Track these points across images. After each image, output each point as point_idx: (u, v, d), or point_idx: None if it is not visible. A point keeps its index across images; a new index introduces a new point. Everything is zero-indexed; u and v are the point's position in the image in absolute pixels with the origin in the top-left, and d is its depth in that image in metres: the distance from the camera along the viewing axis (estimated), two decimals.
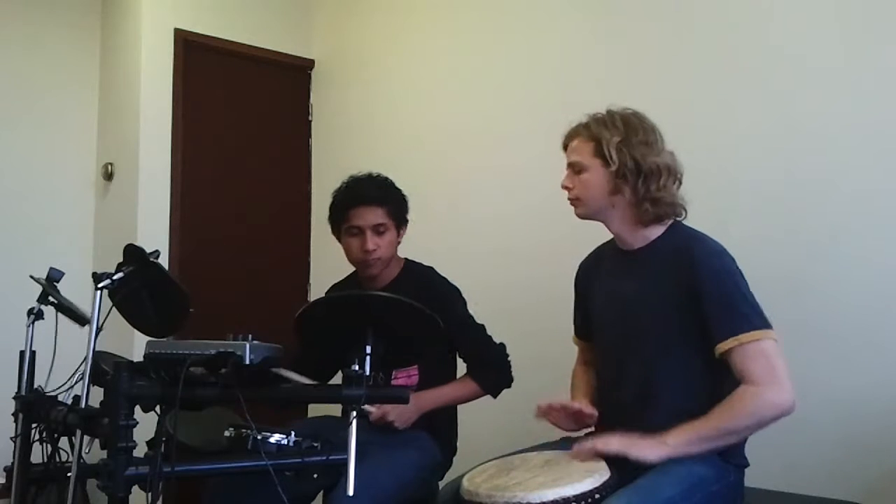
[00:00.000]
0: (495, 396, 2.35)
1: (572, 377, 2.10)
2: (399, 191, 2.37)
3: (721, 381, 1.73)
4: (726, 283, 1.72)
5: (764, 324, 1.69)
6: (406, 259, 2.45)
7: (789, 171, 2.32)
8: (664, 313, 1.78)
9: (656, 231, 1.85)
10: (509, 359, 2.36)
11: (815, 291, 2.23)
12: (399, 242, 2.38)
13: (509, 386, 2.35)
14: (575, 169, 1.88)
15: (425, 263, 2.45)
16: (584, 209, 1.89)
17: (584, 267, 2.08)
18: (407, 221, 2.39)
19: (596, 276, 2.01)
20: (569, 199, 1.91)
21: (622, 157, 1.79)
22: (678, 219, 1.87)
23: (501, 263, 3.10)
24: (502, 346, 2.36)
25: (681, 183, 1.85)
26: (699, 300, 1.72)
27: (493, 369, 2.33)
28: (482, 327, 2.36)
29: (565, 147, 1.92)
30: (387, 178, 2.38)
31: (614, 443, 1.64)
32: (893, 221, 2.12)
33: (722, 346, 1.68)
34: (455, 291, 2.37)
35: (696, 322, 1.73)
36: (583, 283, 2.06)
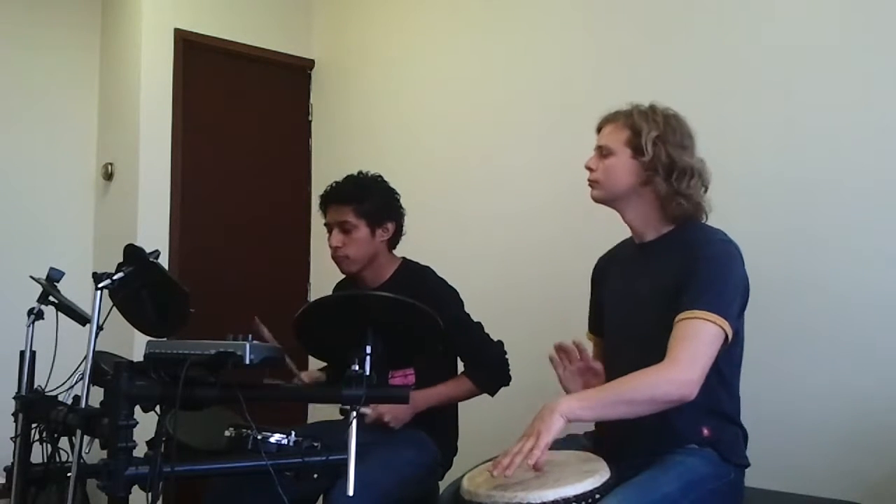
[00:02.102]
0: (493, 395, 2.34)
1: None
2: (377, 190, 2.37)
3: (726, 373, 1.73)
4: (711, 266, 1.71)
5: (723, 311, 1.66)
6: (403, 259, 2.45)
7: (790, 169, 2.32)
8: (666, 310, 1.76)
9: (670, 225, 1.86)
10: (507, 357, 2.35)
11: (815, 290, 2.23)
12: (383, 242, 2.36)
13: (507, 384, 2.35)
14: (602, 152, 1.88)
15: (423, 263, 2.44)
16: (602, 193, 1.89)
17: (601, 262, 2.08)
18: (385, 221, 2.35)
19: (612, 271, 2.01)
20: (589, 180, 1.91)
21: (657, 150, 1.79)
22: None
23: (503, 262, 3.10)
24: (500, 343, 2.36)
25: (706, 190, 1.86)
26: (683, 280, 1.71)
27: (489, 368, 2.33)
28: (479, 325, 2.36)
29: (599, 129, 1.92)
30: (368, 177, 2.39)
31: (529, 449, 1.56)
32: (894, 220, 2.12)
33: (679, 316, 1.66)
34: (451, 291, 2.36)
35: None
36: (599, 278, 2.07)
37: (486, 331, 2.37)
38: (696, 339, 1.64)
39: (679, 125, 1.85)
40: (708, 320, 1.64)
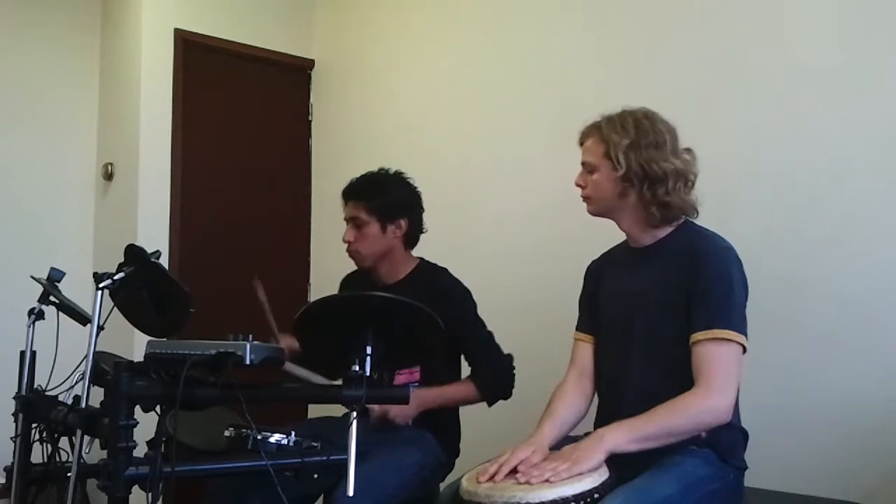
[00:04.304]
0: (490, 405, 2.32)
1: (552, 395, 2.00)
2: (392, 187, 2.37)
3: None
4: (721, 280, 1.73)
5: (740, 328, 1.71)
6: (420, 259, 2.45)
7: (790, 170, 2.32)
8: (668, 311, 1.79)
9: (666, 229, 1.87)
10: (514, 371, 2.33)
11: (815, 291, 2.23)
12: (397, 239, 2.36)
13: (506, 398, 2.33)
14: (587, 168, 1.90)
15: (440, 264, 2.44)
16: (595, 207, 1.92)
17: (595, 265, 2.09)
18: (397, 218, 2.35)
19: (606, 273, 2.02)
20: (581, 196, 1.94)
21: (629, 161, 1.80)
22: (689, 218, 1.88)
23: (503, 263, 3.10)
24: (510, 356, 2.35)
25: (693, 185, 1.85)
26: (693, 292, 1.73)
27: (494, 375, 2.32)
28: (491, 335, 2.35)
29: (581, 144, 1.94)
30: (385, 174, 2.40)
31: (561, 471, 1.60)
32: (894, 220, 2.12)
33: (696, 336, 1.70)
34: (464, 293, 2.36)
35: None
36: (593, 280, 2.07)
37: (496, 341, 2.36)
38: (725, 361, 1.69)
39: (652, 125, 1.83)
40: (730, 340, 1.69)
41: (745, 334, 1.71)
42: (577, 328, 2.10)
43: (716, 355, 1.68)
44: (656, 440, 1.68)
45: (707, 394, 1.67)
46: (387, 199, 2.35)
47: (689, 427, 1.70)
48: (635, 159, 1.80)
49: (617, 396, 1.88)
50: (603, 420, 1.88)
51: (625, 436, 1.66)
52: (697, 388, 1.68)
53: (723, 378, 1.67)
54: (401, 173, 2.43)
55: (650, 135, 1.82)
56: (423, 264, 2.44)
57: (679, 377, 1.76)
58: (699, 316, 1.72)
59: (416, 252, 2.47)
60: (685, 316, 1.75)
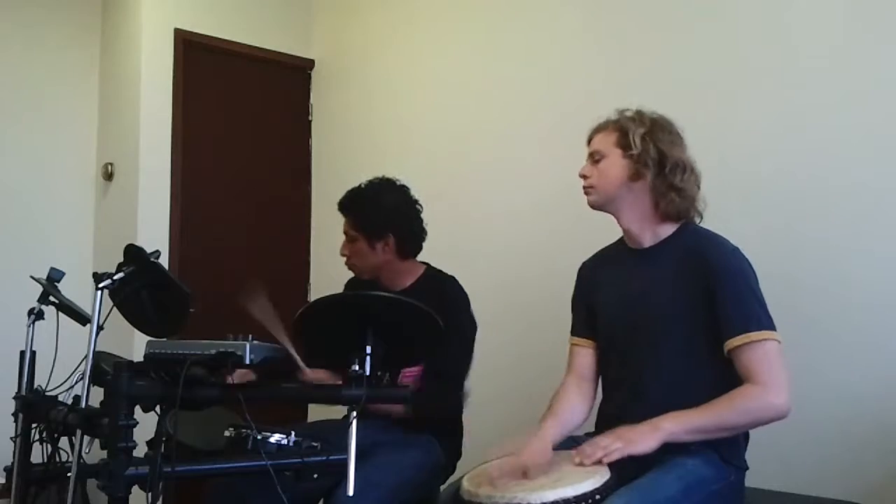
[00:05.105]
0: (406, 413, 2.18)
1: (552, 398, 1.97)
2: (375, 203, 2.30)
3: (720, 382, 1.73)
4: (740, 282, 1.74)
5: (771, 325, 1.72)
6: (427, 266, 2.42)
7: (790, 169, 2.32)
8: (672, 312, 1.79)
9: (668, 229, 1.86)
10: (460, 412, 2.29)
11: (815, 290, 2.23)
12: (387, 253, 2.31)
13: (428, 421, 2.23)
14: (594, 158, 1.89)
15: (446, 272, 2.40)
16: (597, 197, 1.90)
17: (586, 267, 2.07)
18: (383, 235, 2.29)
19: (602, 275, 2.00)
20: (584, 187, 1.92)
21: (645, 145, 1.81)
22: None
23: (503, 262, 3.10)
24: (464, 396, 2.27)
25: (699, 187, 1.86)
26: (712, 299, 1.73)
27: (432, 407, 2.19)
28: (466, 364, 2.27)
29: (589, 141, 1.93)
30: (371, 188, 2.34)
31: (615, 449, 1.63)
32: (894, 220, 2.12)
33: (732, 343, 1.70)
34: (466, 309, 2.31)
35: (704, 322, 1.74)
36: (586, 283, 2.05)
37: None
38: (772, 359, 1.70)
39: (667, 125, 1.85)
40: (767, 339, 1.70)
41: (775, 328, 1.73)
42: (573, 333, 2.08)
43: (761, 356, 1.69)
44: (711, 433, 1.70)
45: (764, 392, 1.67)
46: (369, 217, 2.30)
47: (747, 423, 1.73)
48: (652, 143, 1.81)
49: (621, 397, 1.87)
50: (608, 422, 1.88)
51: (681, 426, 1.66)
52: (754, 387, 1.68)
53: (774, 373, 1.68)
54: (391, 183, 2.35)
55: (666, 130, 1.84)
56: (430, 272, 2.41)
57: (684, 375, 1.76)
58: (729, 322, 1.71)
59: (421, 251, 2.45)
60: (696, 316, 1.75)
